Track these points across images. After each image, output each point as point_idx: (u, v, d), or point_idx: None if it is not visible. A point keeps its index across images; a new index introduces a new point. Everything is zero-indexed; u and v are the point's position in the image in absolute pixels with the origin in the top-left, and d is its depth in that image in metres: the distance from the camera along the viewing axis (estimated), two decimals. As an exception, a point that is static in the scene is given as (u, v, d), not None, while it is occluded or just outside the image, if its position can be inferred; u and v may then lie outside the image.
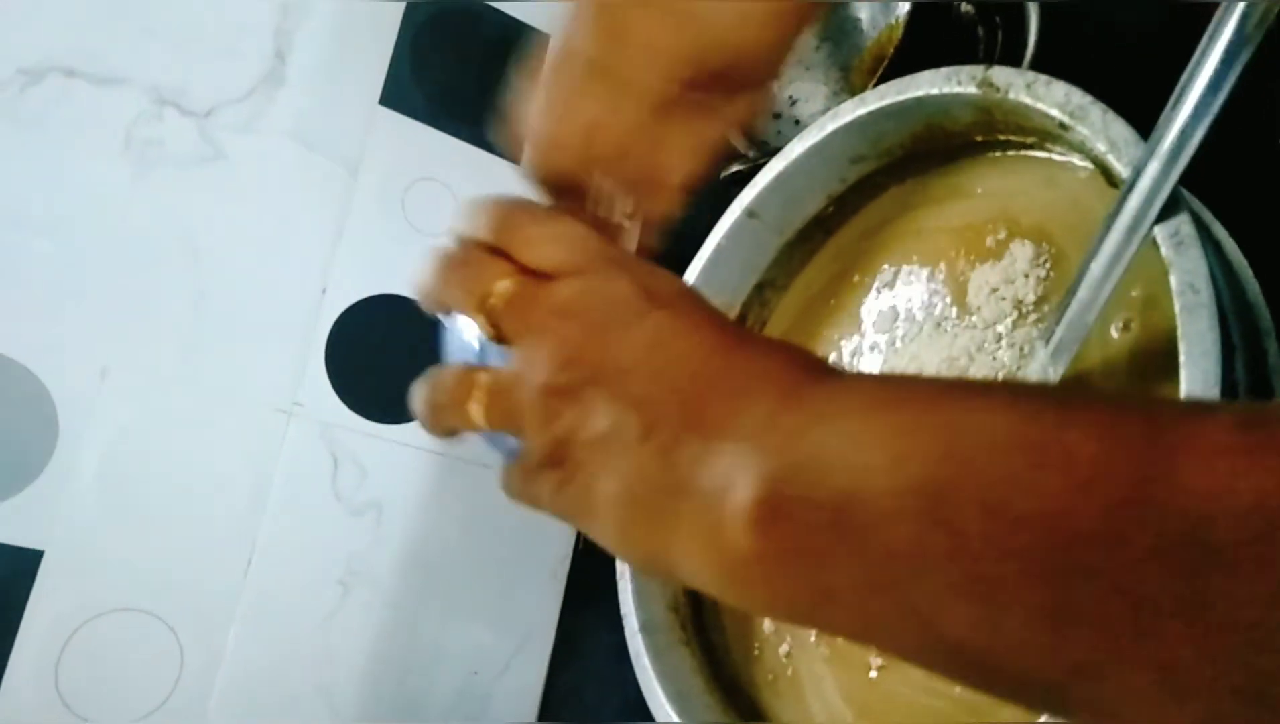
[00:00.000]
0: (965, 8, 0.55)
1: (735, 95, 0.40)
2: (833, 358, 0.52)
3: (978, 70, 0.43)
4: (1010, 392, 0.27)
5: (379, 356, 0.68)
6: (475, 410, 0.34)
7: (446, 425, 0.36)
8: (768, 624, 0.49)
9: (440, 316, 0.39)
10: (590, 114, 0.39)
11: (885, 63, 0.54)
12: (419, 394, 0.36)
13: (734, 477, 0.26)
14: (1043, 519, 0.22)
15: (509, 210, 0.35)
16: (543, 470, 0.32)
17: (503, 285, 0.33)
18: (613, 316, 0.31)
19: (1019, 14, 0.53)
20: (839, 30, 0.62)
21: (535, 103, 0.41)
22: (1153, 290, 0.39)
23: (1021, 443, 0.23)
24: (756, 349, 0.30)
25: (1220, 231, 0.40)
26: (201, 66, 0.64)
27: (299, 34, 0.67)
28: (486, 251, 0.35)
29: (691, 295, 0.32)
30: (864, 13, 0.61)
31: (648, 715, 0.48)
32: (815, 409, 0.27)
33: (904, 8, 0.57)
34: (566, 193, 0.42)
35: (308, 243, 0.66)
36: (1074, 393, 0.25)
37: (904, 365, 0.47)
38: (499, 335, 0.34)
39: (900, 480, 0.24)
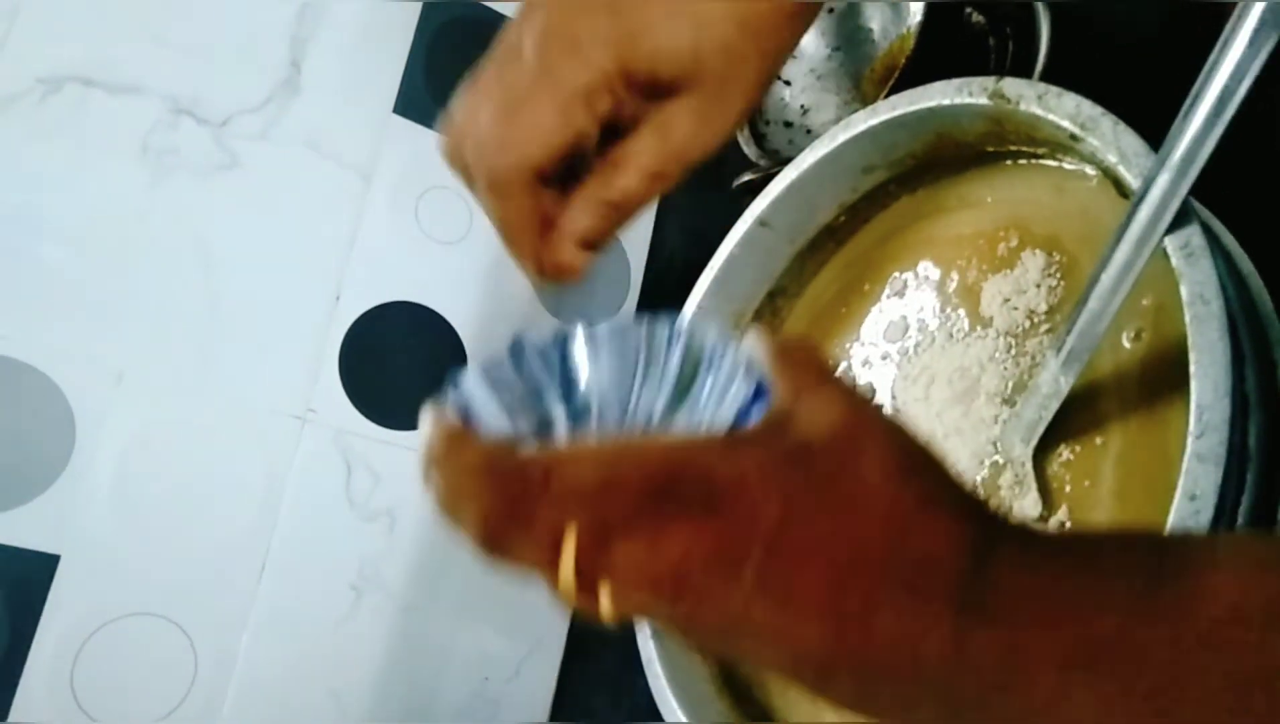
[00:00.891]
0: (976, 18, 0.55)
1: (683, 121, 0.38)
2: (844, 367, 0.52)
3: (989, 81, 0.43)
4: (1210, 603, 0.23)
5: (392, 363, 0.68)
6: None
7: None
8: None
9: None
10: (497, 103, 0.37)
11: (897, 72, 0.54)
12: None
13: None
14: None
15: (521, 466, 0.28)
16: None
17: (570, 544, 0.27)
18: (708, 577, 0.26)
19: (1030, 24, 0.53)
20: (850, 39, 0.62)
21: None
22: (1164, 300, 0.40)
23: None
24: (874, 578, 0.25)
25: (1230, 241, 0.41)
26: (217, 76, 0.65)
27: (314, 43, 0.68)
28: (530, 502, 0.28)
29: (769, 493, 0.26)
30: (875, 22, 0.61)
31: (659, 721, 0.48)
32: (982, 657, 0.24)
33: (916, 18, 0.58)
34: (467, 178, 0.40)
35: (322, 250, 0.67)
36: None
37: (916, 375, 0.47)
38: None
39: None
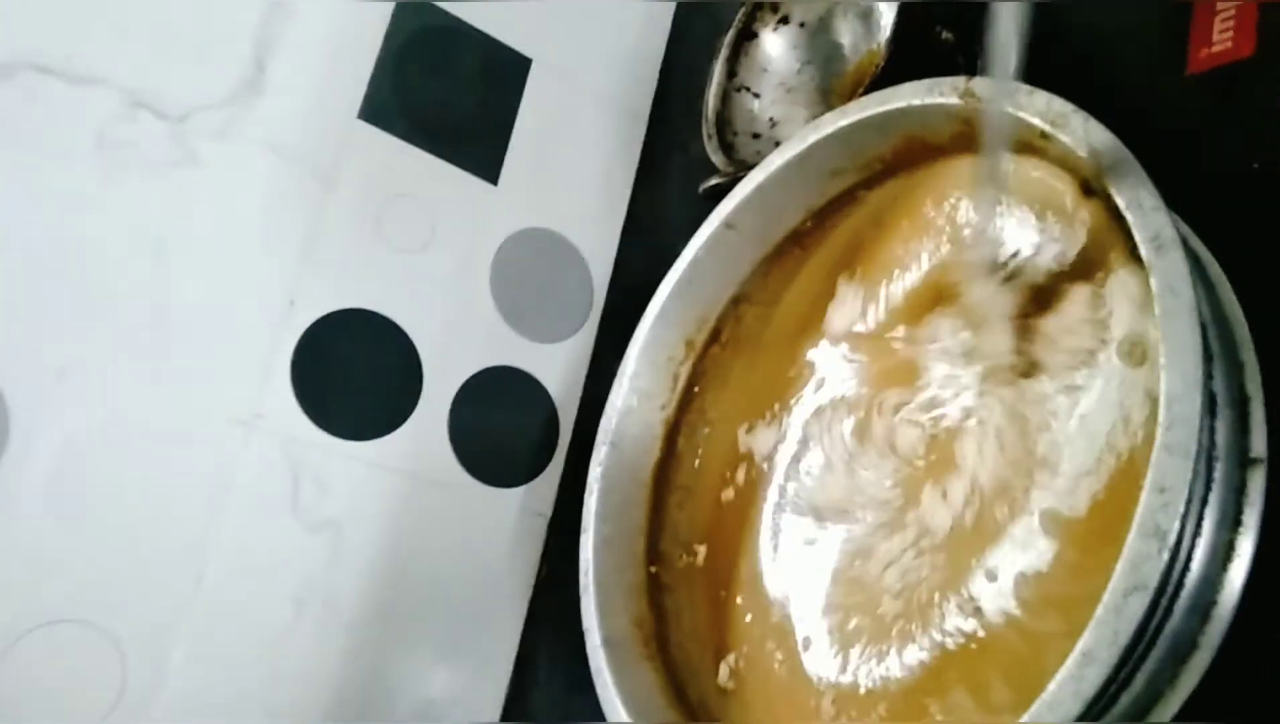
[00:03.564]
0: (945, 35, 0.55)
1: None
2: (805, 374, 0.51)
3: (959, 81, 0.43)
4: None
5: (346, 372, 0.67)
6: None
7: None
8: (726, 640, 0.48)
9: None
10: None
11: (862, 89, 0.54)
12: None
13: None
14: None
15: None
16: None
17: None
18: None
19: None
20: (821, 54, 0.62)
21: None
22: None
23: None
24: None
25: (1198, 244, 0.40)
26: (178, 69, 0.63)
27: (279, 43, 0.67)
28: None
29: None
30: (845, 37, 0.61)
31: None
32: None
33: (884, 35, 0.58)
34: None
35: (277, 253, 0.66)
36: None
37: (876, 374, 0.47)
38: None
39: None
